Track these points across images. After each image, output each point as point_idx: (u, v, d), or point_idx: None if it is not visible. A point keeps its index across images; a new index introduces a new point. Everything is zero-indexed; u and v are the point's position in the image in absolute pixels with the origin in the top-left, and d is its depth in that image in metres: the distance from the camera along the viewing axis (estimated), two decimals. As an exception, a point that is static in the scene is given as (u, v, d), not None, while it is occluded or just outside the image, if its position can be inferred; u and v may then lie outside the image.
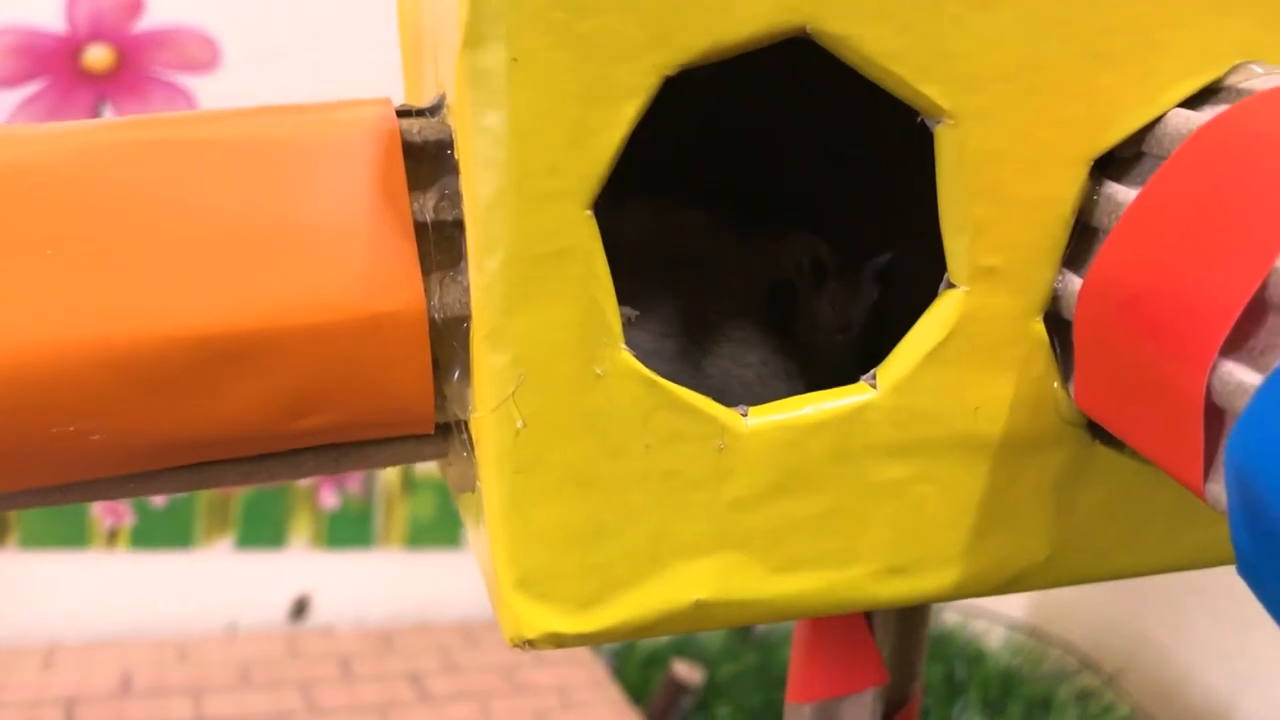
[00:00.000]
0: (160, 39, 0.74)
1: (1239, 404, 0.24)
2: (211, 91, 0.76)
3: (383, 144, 0.30)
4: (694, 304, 0.38)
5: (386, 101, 0.32)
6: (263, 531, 0.90)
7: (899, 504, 0.31)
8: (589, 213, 0.28)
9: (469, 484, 0.31)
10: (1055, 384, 0.31)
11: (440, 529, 0.94)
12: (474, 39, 0.26)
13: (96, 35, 0.73)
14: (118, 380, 0.28)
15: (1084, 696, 0.90)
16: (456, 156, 0.29)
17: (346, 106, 0.32)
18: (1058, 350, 0.31)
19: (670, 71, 0.27)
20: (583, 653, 0.88)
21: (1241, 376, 0.24)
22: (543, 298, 0.28)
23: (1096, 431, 0.31)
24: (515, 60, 0.26)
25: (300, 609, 0.86)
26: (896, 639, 0.38)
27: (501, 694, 0.75)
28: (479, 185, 0.27)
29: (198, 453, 0.30)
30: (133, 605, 0.82)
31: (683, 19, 0.27)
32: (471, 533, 0.34)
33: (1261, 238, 0.25)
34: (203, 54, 0.76)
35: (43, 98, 0.72)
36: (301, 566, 0.87)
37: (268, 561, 0.87)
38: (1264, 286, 0.25)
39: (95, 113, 0.73)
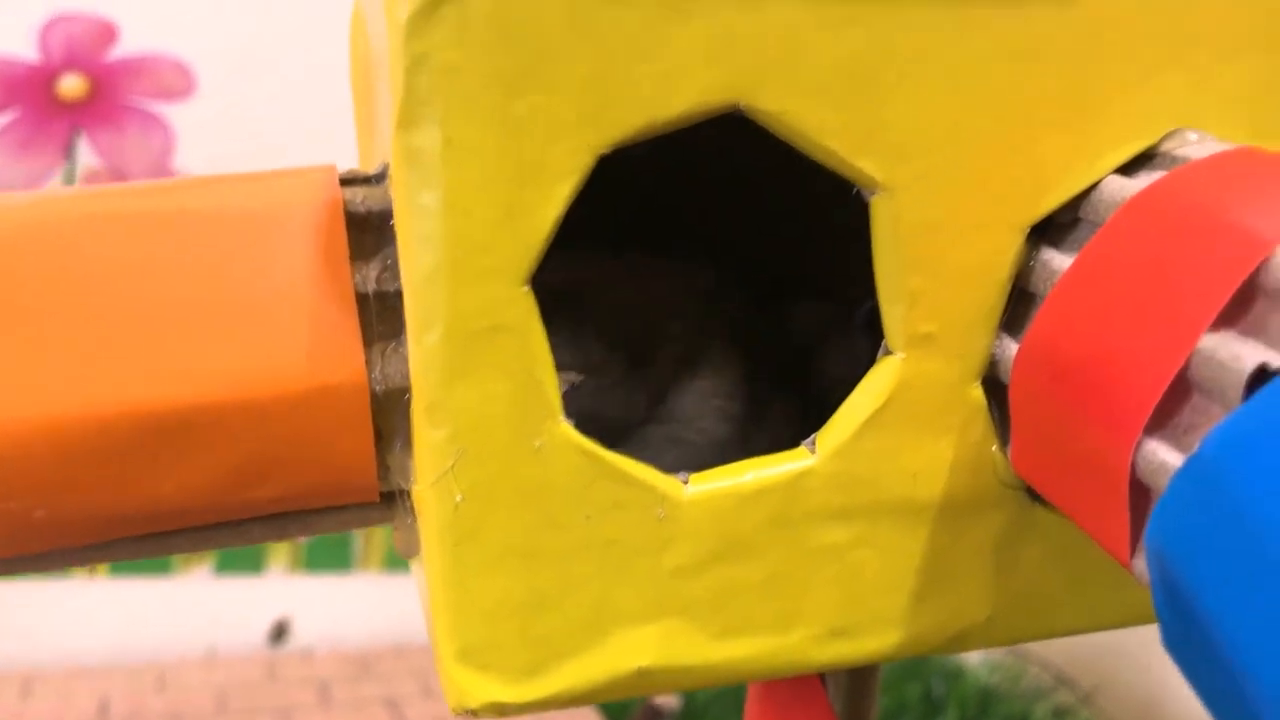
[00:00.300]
0: (135, 67, 0.74)
1: (1162, 483, 0.25)
2: (187, 118, 0.76)
3: (326, 214, 0.30)
4: (743, 375, 0.38)
5: (331, 169, 0.32)
6: (241, 556, 0.90)
7: (839, 568, 0.31)
8: (526, 289, 0.28)
9: (415, 549, 0.32)
10: (994, 448, 0.31)
11: (419, 551, 0.95)
12: (408, 120, 0.27)
13: (70, 64, 0.73)
14: (60, 457, 0.28)
15: (1060, 714, 0.90)
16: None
17: (291, 175, 0.32)
18: (996, 414, 0.31)
19: (604, 150, 0.27)
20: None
21: (1164, 456, 0.25)
22: (480, 372, 0.28)
23: (1035, 493, 0.32)
24: (449, 141, 0.27)
25: (280, 633, 0.86)
26: (848, 691, 0.38)
27: (479, 719, 0.76)
28: (416, 261, 0.28)
29: (146, 525, 0.30)
30: (112, 632, 0.82)
31: (615, 98, 0.27)
32: (421, 594, 0.34)
33: (1187, 315, 0.25)
34: (178, 81, 0.76)
35: (16, 128, 0.72)
36: (280, 591, 0.88)
37: (247, 586, 0.87)
38: (1187, 366, 0.25)
39: (69, 142, 0.73)
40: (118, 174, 0.77)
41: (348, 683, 0.80)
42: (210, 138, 0.77)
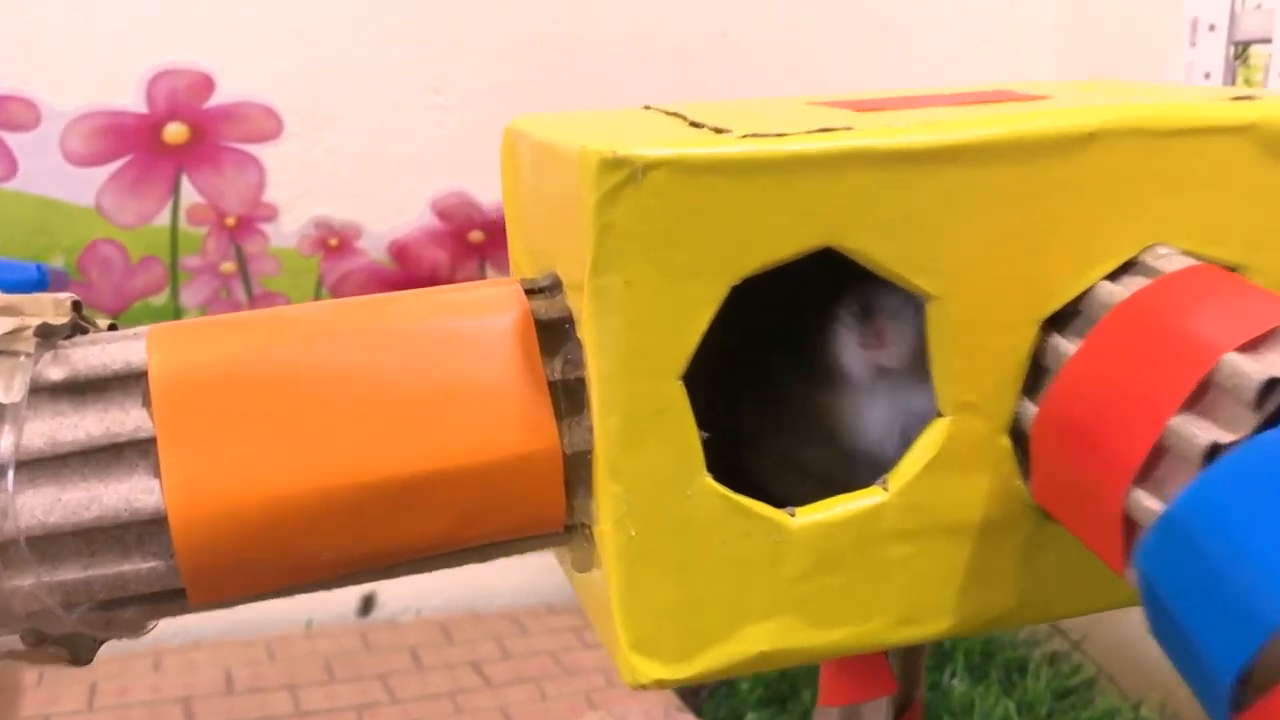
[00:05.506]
0: (230, 113, 0.84)
1: (1146, 521, 0.35)
2: (274, 156, 0.86)
3: (519, 320, 0.41)
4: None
5: (516, 285, 0.42)
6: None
7: (907, 574, 0.42)
8: (679, 383, 0.38)
9: (588, 566, 0.42)
10: (1018, 481, 0.42)
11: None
12: (598, 268, 0.37)
13: (173, 113, 0.83)
14: (338, 514, 0.39)
15: (1054, 658, 1.02)
16: (579, 335, 0.40)
17: (485, 286, 0.42)
18: (1019, 456, 0.41)
19: (735, 283, 0.38)
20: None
21: (1148, 503, 0.35)
22: (648, 444, 0.38)
23: (1048, 514, 0.42)
24: (628, 283, 0.37)
25: (367, 605, 0.97)
26: (903, 659, 0.49)
27: (553, 677, 0.87)
28: (600, 364, 0.38)
29: (392, 559, 0.41)
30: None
31: (741, 246, 0.37)
32: (583, 597, 0.45)
33: (1162, 399, 0.36)
34: (267, 125, 0.86)
35: (128, 171, 0.81)
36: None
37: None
38: (1161, 437, 0.35)
39: (175, 181, 0.83)
40: (217, 208, 0.87)
41: (434, 648, 0.91)
42: (296, 174, 0.88)
